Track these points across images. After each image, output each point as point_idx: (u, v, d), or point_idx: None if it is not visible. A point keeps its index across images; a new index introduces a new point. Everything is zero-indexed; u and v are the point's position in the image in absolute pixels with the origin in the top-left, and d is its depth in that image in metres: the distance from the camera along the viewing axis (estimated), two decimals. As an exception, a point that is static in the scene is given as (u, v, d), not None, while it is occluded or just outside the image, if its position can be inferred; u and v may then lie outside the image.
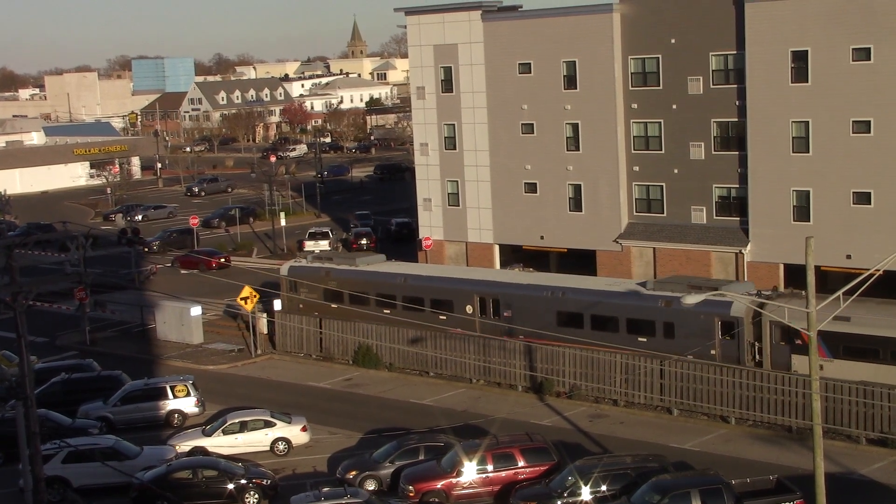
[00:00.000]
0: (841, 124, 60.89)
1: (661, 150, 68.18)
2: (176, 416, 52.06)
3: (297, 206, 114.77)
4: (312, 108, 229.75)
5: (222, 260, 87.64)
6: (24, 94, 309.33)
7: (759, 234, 64.64)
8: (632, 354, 50.34)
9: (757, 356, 51.00)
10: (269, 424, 47.41)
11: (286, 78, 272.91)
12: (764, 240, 64.43)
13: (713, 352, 51.16)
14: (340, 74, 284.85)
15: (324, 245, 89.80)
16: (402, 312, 60.14)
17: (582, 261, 72.73)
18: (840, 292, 33.89)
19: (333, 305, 63.47)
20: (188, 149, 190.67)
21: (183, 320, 66.14)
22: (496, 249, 75.69)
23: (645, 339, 52.59)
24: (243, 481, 41.78)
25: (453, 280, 61.35)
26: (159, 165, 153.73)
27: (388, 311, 61.34)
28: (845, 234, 61.31)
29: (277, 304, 65.74)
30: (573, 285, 57.16)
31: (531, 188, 73.03)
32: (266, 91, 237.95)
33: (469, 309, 59.68)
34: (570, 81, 70.50)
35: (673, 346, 51.72)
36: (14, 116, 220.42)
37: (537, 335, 54.50)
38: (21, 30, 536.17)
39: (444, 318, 59.05)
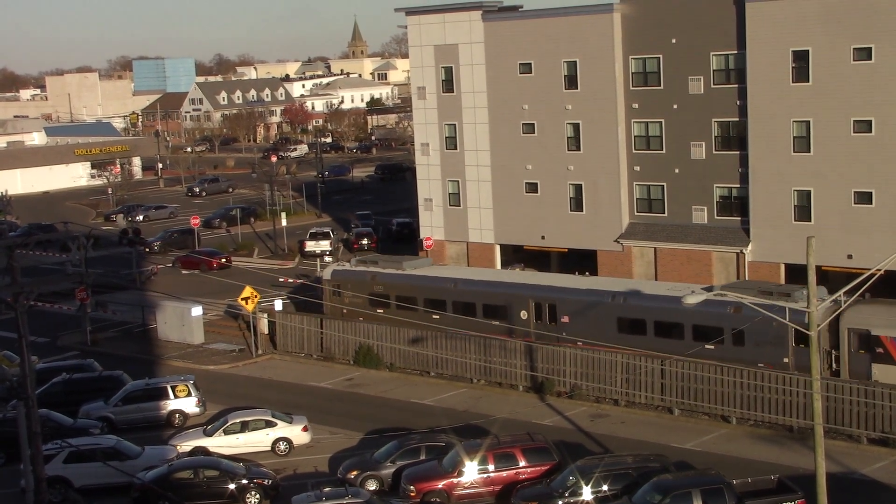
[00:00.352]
0: (842, 124, 60.90)
1: (661, 149, 68.19)
2: (177, 416, 52.07)
3: (297, 206, 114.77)
4: (313, 108, 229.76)
5: (223, 260, 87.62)
6: (26, 94, 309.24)
7: (760, 234, 64.63)
8: (632, 354, 50.31)
9: (833, 365, 49.19)
10: (270, 424, 47.42)
11: (287, 78, 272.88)
12: (765, 239, 64.44)
13: (786, 360, 49.30)
14: (341, 74, 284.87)
15: (325, 245, 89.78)
16: (453, 318, 58.77)
17: (583, 261, 72.73)
18: (841, 292, 33.93)
19: (379, 310, 62.04)
20: (189, 149, 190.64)
21: (184, 320, 66.14)
22: (497, 249, 75.71)
23: (712, 347, 50.76)
24: (244, 481, 41.79)
25: (507, 285, 59.53)
26: (160, 166, 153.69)
27: (437, 317, 59.49)
28: (846, 234, 61.31)
29: (279, 305, 65.82)
30: (635, 290, 55.39)
31: (532, 188, 73.04)
32: (267, 91, 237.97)
33: (524, 315, 57.95)
34: (571, 81, 70.50)
35: (742, 354, 49.98)
36: (15, 117, 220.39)
37: (596, 342, 52.83)
38: (22, 30, 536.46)
39: (497, 324, 57.63)
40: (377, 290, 63.04)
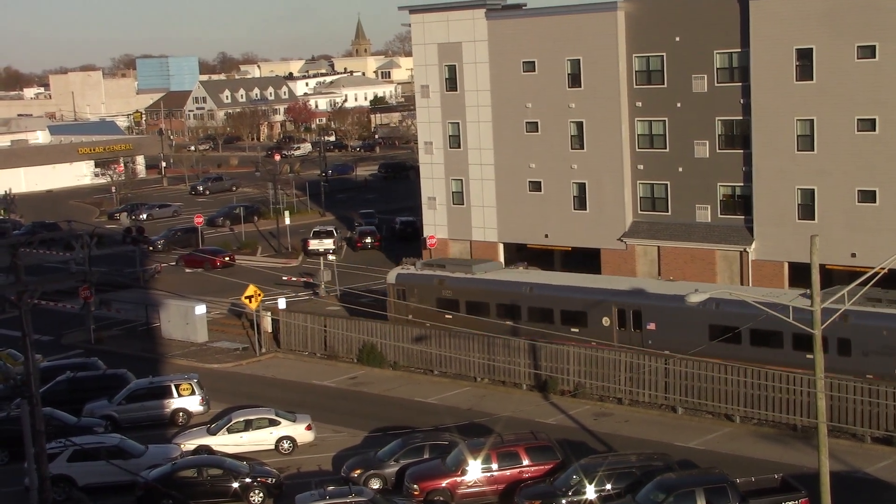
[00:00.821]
0: (846, 122, 60.82)
1: (665, 148, 68.12)
2: (181, 414, 52.10)
3: (301, 204, 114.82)
4: (317, 106, 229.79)
5: (227, 259, 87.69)
6: (29, 93, 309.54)
7: (763, 233, 64.57)
8: (636, 353, 50.21)
9: None
10: (273, 423, 47.44)
11: (290, 76, 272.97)
12: (768, 238, 64.37)
13: None
14: (344, 73, 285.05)
15: (328, 244, 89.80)
16: (528, 324, 56.39)
17: (586, 259, 72.72)
18: (844, 290, 33.88)
19: (447, 315, 59.42)
20: (192, 147, 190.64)
21: (188, 319, 66.18)
22: (500, 248, 75.68)
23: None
24: (248, 480, 41.81)
25: (587, 290, 56.83)
26: (164, 164, 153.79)
27: (511, 323, 57.33)
28: (850, 233, 61.24)
29: (282, 303, 65.79)
30: (727, 296, 52.23)
31: (535, 186, 72.98)
32: (270, 90, 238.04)
33: (606, 321, 55.58)
34: (575, 80, 70.44)
35: (848, 365, 47.54)
36: (19, 115, 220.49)
37: (685, 351, 50.83)
38: (26, 29, 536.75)
39: (577, 331, 55.21)
40: (445, 296, 60.65)
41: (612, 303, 55.53)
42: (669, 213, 68.50)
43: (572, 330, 55.40)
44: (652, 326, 54.15)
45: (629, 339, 54.16)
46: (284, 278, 79.63)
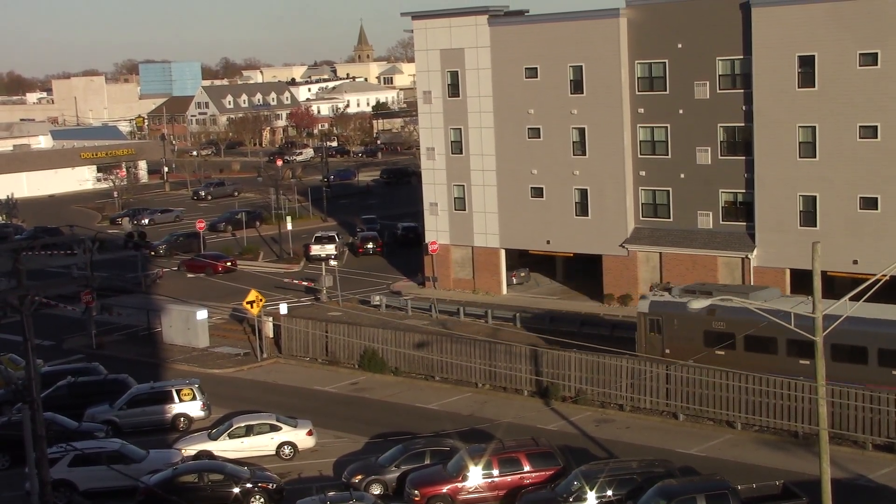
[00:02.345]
0: (848, 129, 60.84)
1: (667, 154, 68.13)
2: (182, 419, 52.08)
3: (303, 210, 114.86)
4: (319, 112, 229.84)
5: (228, 264, 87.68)
6: (32, 97, 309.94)
7: (765, 239, 64.57)
8: (637, 359, 50.17)
9: None
10: (274, 428, 47.43)
11: (293, 82, 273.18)
12: (770, 245, 64.37)
13: None
14: (347, 79, 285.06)
15: (330, 249, 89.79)
16: (834, 365, 44.98)
17: (588, 265, 72.72)
18: (846, 297, 33.85)
19: (719, 352, 51.06)
20: (195, 153, 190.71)
21: (189, 324, 66.19)
22: (502, 254, 75.69)
23: None
24: (249, 485, 41.80)
25: None
26: (166, 169, 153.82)
27: (807, 362, 46.05)
28: (852, 240, 61.23)
29: (283, 308, 65.78)
30: None
31: (537, 193, 72.99)
32: (273, 95, 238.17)
33: None
34: (577, 86, 70.48)
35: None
36: (21, 120, 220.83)
37: None
38: (28, 34, 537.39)
39: None
40: (717, 328, 51.54)
41: None
42: (671, 220, 68.51)
43: (893, 373, 46.84)
44: None
45: None
46: (286, 280, 79.65)
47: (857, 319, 43.61)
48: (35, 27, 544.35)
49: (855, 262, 60.86)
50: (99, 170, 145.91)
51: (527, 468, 40.85)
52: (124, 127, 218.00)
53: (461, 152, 75.99)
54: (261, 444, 47.05)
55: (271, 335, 64.74)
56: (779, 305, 45.49)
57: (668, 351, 52.64)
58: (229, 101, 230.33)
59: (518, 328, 66.13)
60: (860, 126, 60.44)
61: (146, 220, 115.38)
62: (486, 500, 40.69)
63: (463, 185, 76.28)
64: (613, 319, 65.36)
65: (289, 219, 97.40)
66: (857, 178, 60.91)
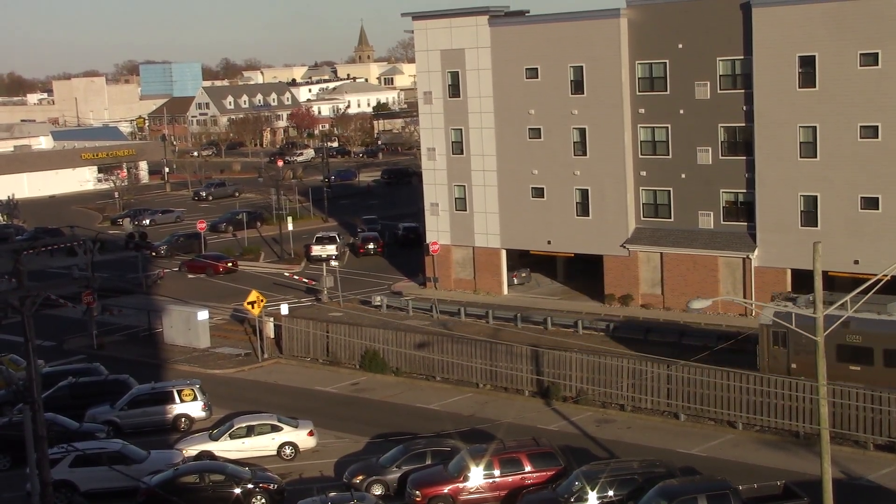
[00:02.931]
0: (848, 129, 60.84)
1: (668, 154, 68.12)
2: (183, 420, 52.08)
3: (304, 210, 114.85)
4: (320, 112, 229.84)
5: (229, 264, 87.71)
6: (33, 98, 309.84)
7: (766, 240, 64.56)
8: (638, 359, 50.17)
9: None
10: (275, 429, 47.43)
11: (293, 83, 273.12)
12: (771, 245, 64.36)
13: None
14: (348, 79, 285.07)
15: (331, 249, 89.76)
16: None
17: (589, 266, 72.69)
18: (847, 297, 33.85)
19: (854, 367, 47.62)
20: (195, 153, 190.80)
21: (190, 324, 66.20)
22: (503, 254, 75.69)
23: None
24: (250, 486, 41.78)
25: None
26: (167, 170, 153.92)
27: None
28: (853, 240, 61.22)
29: (284, 309, 65.79)
30: None
31: (538, 193, 72.99)
32: (273, 96, 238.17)
33: None
34: (578, 86, 70.48)
35: None
36: (22, 121, 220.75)
37: None
38: (29, 35, 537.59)
39: None
40: (853, 342, 47.75)
41: None
42: (672, 220, 68.50)
43: None
44: None
45: None
46: (287, 275, 79.63)
47: None
48: (35, 28, 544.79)
49: (856, 262, 60.86)
50: (100, 170, 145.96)
51: (528, 468, 40.85)
52: (125, 128, 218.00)
53: (462, 153, 75.99)
54: (262, 445, 47.06)
55: (272, 336, 64.76)
56: None
57: (794, 366, 49.26)
58: (230, 102, 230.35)
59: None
60: (861, 126, 60.44)
61: (147, 221, 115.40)
62: (487, 500, 40.68)
63: (464, 186, 76.28)
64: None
65: (290, 219, 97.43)
66: (857, 177, 60.91)
